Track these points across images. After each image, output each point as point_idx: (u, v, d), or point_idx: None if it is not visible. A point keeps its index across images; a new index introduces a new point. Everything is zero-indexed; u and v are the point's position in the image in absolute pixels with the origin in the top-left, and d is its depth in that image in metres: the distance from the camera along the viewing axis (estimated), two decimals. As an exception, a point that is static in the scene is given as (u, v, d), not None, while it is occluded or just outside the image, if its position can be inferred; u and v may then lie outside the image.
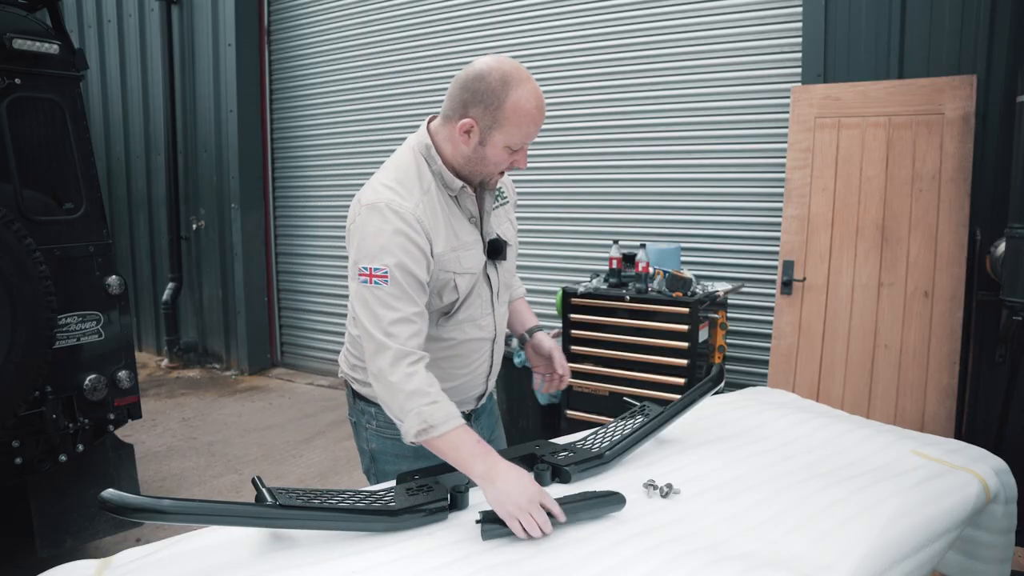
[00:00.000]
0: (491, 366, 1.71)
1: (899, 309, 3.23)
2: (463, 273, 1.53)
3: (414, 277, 1.43)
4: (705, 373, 3.56)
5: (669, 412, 1.72)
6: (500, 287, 1.65)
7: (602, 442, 1.65)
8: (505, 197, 1.71)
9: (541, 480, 1.51)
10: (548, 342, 1.80)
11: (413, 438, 1.39)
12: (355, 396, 1.74)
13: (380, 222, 1.43)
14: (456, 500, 1.38)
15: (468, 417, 1.74)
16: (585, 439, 1.70)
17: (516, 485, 1.29)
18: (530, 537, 1.26)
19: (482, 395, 1.75)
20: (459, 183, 1.50)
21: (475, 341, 1.63)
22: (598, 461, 1.56)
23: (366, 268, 1.42)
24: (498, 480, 1.31)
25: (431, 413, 1.37)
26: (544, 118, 1.47)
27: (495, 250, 1.59)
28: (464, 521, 1.33)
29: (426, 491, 1.38)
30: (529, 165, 1.59)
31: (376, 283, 1.41)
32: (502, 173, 1.54)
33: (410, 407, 1.38)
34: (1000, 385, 3.09)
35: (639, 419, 1.73)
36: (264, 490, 1.26)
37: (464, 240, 1.54)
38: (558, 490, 1.45)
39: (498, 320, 1.67)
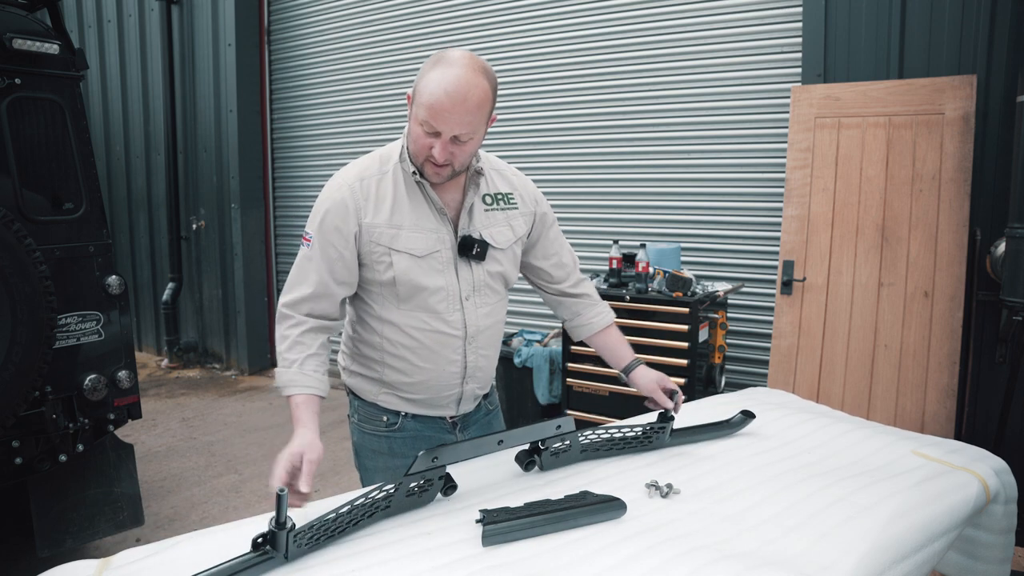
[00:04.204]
0: (464, 367, 1.65)
1: (899, 309, 3.23)
2: (401, 252, 1.54)
3: (330, 242, 1.53)
4: (705, 373, 3.56)
5: (675, 440, 1.74)
6: (477, 286, 1.62)
7: (599, 440, 1.65)
8: (513, 202, 1.68)
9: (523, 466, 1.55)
10: (648, 381, 1.76)
11: (278, 390, 1.58)
12: (347, 388, 1.77)
13: (325, 191, 1.57)
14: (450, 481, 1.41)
15: (455, 425, 1.73)
16: (597, 432, 1.68)
17: (291, 443, 1.42)
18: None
19: (460, 399, 1.70)
20: (413, 168, 1.54)
21: (439, 335, 1.60)
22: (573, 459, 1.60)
23: (304, 232, 1.58)
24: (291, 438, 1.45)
25: (279, 375, 1.54)
26: (461, 110, 1.40)
27: (464, 247, 1.58)
28: (464, 521, 1.33)
29: (429, 484, 1.39)
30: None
31: (303, 244, 1.57)
32: (433, 166, 1.49)
33: (278, 365, 1.57)
34: (1000, 385, 3.09)
35: (654, 434, 1.71)
36: (278, 532, 1.17)
37: (418, 224, 1.55)
38: (559, 490, 1.45)
39: (471, 319, 1.63)
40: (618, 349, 1.84)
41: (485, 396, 1.80)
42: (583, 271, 1.94)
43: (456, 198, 1.61)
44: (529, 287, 1.89)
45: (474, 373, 1.68)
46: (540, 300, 1.96)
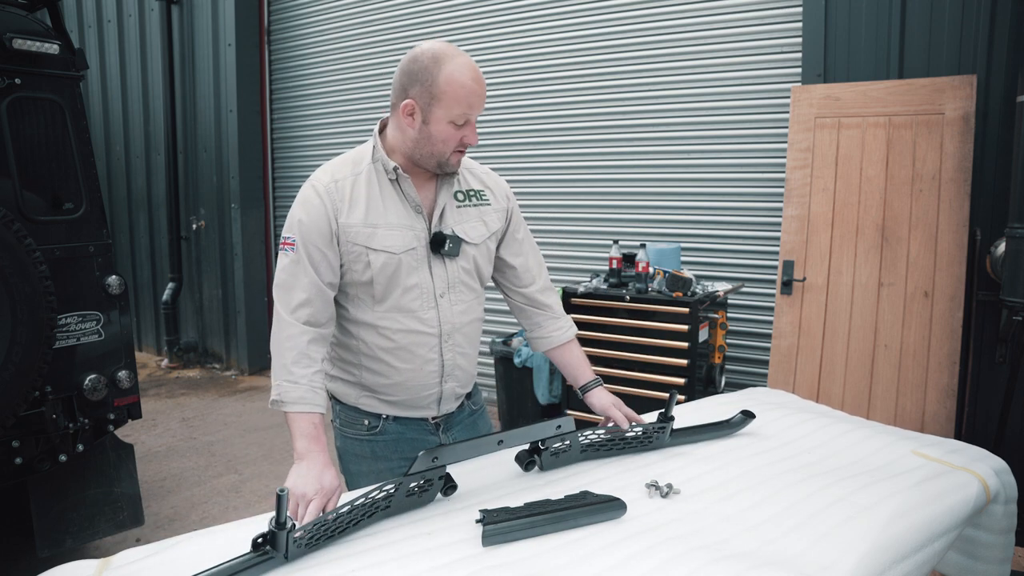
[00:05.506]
0: (442, 366, 1.64)
1: (899, 309, 3.23)
2: (378, 251, 1.54)
3: (313, 244, 1.52)
4: (705, 373, 3.56)
5: (675, 440, 1.74)
6: (452, 283, 1.62)
7: (599, 440, 1.66)
8: (485, 198, 1.68)
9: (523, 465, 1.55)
10: (603, 403, 1.74)
11: (269, 404, 1.51)
12: (329, 393, 1.74)
13: (300, 195, 1.57)
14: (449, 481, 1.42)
15: (437, 427, 1.72)
16: (598, 432, 1.68)
17: (311, 474, 1.39)
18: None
19: (440, 399, 1.69)
20: (392, 164, 1.54)
21: (415, 334, 1.60)
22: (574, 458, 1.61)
23: (282, 237, 1.57)
24: (304, 463, 1.41)
25: (287, 390, 1.48)
26: (485, 90, 1.49)
27: (436, 243, 1.58)
28: (464, 521, 1.33)
29: (429, 484, 1.39)
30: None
31: (284, 250, 1.55)
32: (460, 153, 1.53)
33: (277, 376, 1.50)
34: (1000, 385, 3.09)
35: (654, 434, 1.72)
36: (277, 532, 1.18)
37: (390, 221, 1.56)
38: (560, 490, 1.45)
39: (446, 317, 1.62)
40: (577, 368, 1.81)
41: (468, 396, 1.79)
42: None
43: (429, 196, 1.61)
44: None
45: (452, 372, 1.67)
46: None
